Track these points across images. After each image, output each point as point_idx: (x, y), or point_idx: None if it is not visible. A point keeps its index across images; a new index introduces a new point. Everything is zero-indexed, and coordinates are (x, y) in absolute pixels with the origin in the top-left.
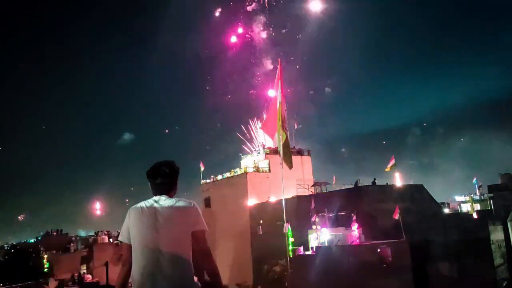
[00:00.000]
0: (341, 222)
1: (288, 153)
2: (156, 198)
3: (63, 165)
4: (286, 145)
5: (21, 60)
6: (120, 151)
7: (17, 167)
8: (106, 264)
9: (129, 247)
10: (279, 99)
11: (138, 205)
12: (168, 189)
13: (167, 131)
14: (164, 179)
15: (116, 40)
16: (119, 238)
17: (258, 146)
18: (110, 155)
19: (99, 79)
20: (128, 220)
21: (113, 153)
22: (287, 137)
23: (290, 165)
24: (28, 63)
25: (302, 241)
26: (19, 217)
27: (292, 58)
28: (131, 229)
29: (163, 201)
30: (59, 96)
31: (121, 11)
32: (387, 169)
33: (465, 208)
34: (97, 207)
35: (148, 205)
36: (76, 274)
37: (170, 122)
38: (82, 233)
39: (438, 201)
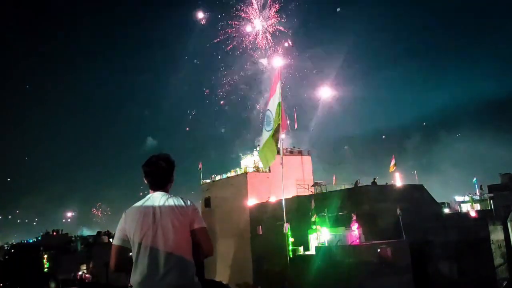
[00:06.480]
0: (341, 222)
1: (266, 152)
2: (152, 196)
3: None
4: (270, 144)
5: (41, 64)
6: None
7: (35, 171)
8: (106, 264)
9: (125, 249)
10: (277, 102)
11: (134, 205)
12: (164, 183)
13: (187, 129)
14: (161, 173)
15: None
16: (113, 242)
17: (259, 145)
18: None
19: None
20: (124, 222)
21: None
22: (274, 137)
23: (266, 165)
24: (48, 67)
25: (302, 241)
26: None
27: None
28: (128, 230)
29: (160, 199)
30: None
31: (143, 20)
32: (391, 169)
33: (465, 208)
34: (105, 208)
35: (144, 204)
36: (76, 274)
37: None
38: (86, 232)
39: (438, 201)
